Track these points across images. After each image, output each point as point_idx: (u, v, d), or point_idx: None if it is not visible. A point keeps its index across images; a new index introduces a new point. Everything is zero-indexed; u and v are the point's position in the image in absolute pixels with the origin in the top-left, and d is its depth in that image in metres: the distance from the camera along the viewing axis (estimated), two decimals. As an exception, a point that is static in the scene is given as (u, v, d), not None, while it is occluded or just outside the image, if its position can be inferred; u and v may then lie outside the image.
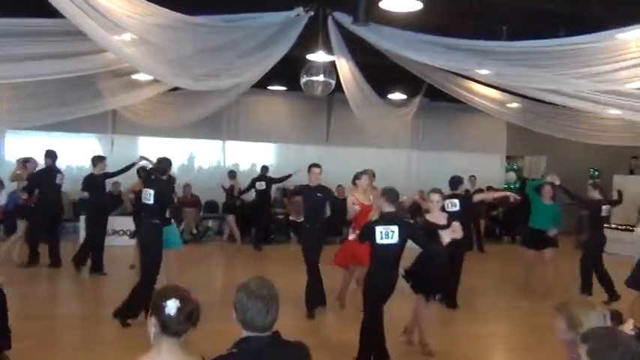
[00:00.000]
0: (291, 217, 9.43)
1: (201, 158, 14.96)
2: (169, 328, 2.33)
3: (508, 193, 9.85)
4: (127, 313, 6.52)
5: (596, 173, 16.05)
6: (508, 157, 17.57)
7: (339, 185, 13.65)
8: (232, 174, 12.96)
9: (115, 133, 13.75)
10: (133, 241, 9.72)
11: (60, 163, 10.15)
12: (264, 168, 13.14)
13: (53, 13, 4.82)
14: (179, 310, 2.31)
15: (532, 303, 8.50)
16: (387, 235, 5.15)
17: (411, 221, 5.85)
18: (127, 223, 10.43)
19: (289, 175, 12.35)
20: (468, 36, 6.76)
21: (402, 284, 5.79)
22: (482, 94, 10.37)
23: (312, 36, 7.72)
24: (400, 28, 7.17)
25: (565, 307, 2.87)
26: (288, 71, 9.77)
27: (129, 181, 10.35)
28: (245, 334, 2.41)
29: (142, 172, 8.71)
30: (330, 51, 8.08)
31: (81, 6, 4.65)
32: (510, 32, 7.78)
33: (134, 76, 8.71)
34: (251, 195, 13.29)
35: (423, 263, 5.84)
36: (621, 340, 2.13)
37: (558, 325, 2.88)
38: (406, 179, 14.65)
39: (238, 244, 12.39)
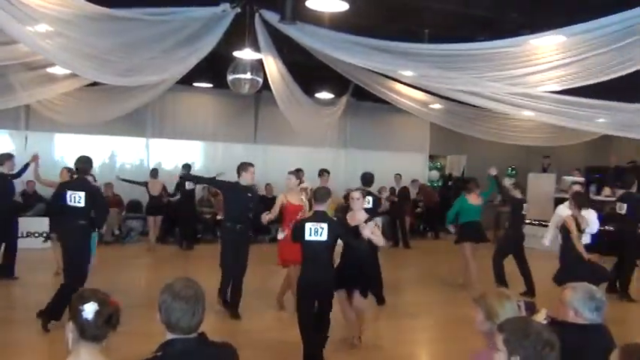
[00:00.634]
0: (219, 217, 9.29)
1: (123, 156, 14.41)
2: (87, 332, 2.25)
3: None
4: (50, 315, 6.20)
5: (514, 172, 16.88)
6: (431, 156, 18.17)
7: (268, 184, 13.62)
8: (154, 172, 12.62)
9: (29, 130, 13.00)
10: (48, 244, 9.35)
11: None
12: (187, 166, 12.77)
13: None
14: (97, 313, 2.24)
15: (453, 295, 8.85)
16: (316, 231, 5.20)
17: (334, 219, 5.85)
18: (42, 224, 9.92)
19: (214, 178, 12.14)
20: (392, 38, 6.93)
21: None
22: (407, 94, 10.66)
23: (238, 33, 7.65)
24: (326, 28, 7.24)
25: (482, 299, 3.00)
26: (214, 68, 9.63)
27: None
28: (170, 336, 2.35)
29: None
30: (257, 49, 8.03)
31: (-11, -6, 4.38)
32: (432, 35, 8.04)
33: (50, 70, 8.27)
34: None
35: (346, 260, 5.91)
36: (533, 328, 2.26)
37: (476, 316, 3.00)
38: (334, 178, 14.77)
39: (152, 242, 12.13)
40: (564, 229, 7.33)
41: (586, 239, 7.69)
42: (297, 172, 7.94)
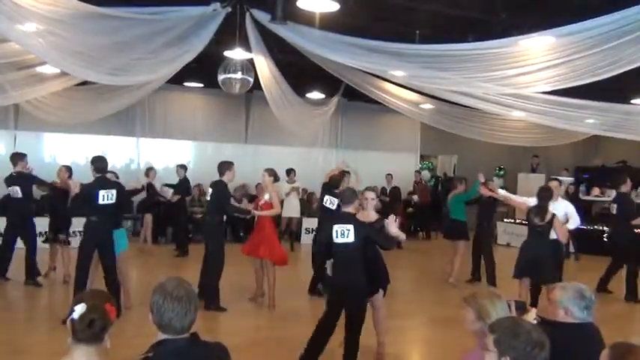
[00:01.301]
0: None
1: (113, 156, 14.25)
2: (75, 333, 2.27)
3: None
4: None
5: (502, 172, 16.97)
6: (422, 157, 18.22)
7: (259, 184, 13.58)
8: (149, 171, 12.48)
9: (18, 129, 12.89)
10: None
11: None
12: (183, 167, 12.61)
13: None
14: (81, 317, 2.25)
15: (445, 295, 8.89)
16: (342, 233, 5.12)
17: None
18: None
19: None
20: (383, 38, 6.95)
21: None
22: (398, 94, 10.69)
23: (229, 32, 7.63)
24: (317, 28, 7.25)
25: (473, 299, 3.01)
26: (205, 68, 9.60)
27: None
28: (162, 336, 2.34)
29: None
30: (248, 48, 8.02)
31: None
32: (423, 36, 8.06)
33: (39, 69, 8.21)
34: (167, 193, 12.92)
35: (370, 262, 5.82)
36: (523, 328, 2.28)
37: (467, 316, 3.01)
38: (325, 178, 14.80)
39: (149, 245, 11.80)
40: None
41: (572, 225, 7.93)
42: (272, 170, 8.15)
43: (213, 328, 6.61)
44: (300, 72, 9.83)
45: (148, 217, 12.03)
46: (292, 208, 12.62)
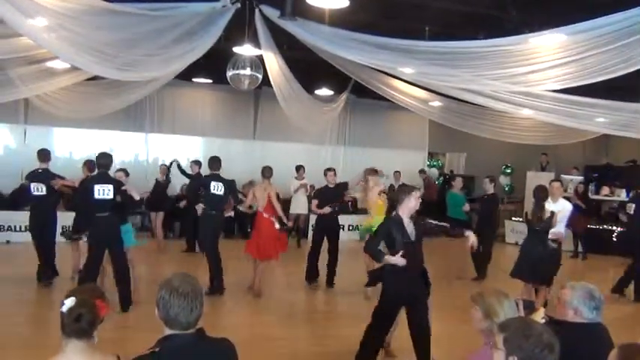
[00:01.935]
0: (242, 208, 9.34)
1: (122, 151, 14.38)
2: (63, 327, 2.30)
3: None
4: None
5: (508, 170, 16.87)
6: (430, 154, 18.16)
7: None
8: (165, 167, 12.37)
9: (28, 124, 12.98)
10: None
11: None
12: (198, 163, 12.45)
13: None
14: (69, 310, 2.27)
15: (451, 292, 8.86)
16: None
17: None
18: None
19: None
20: (393, 35, 6.91)
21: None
22: (406, 92, 10.65)
23: (238, 28, 7.63)
24: (326, 25, 7.23)
25: (481, 298, 3.00)
26: (214, 64, 9.60)
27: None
28: (168, 332, 2.34)
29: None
30: (257, 44, 8.01)
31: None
32: (432, 33, 8.03)
33: (49, 64, 8.24)
34: (175, 189, 12.96)
35: None
36: (534, 330, 2.26)
37: (474, 315, 3.00)
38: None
39: (162, 244, 11.73)
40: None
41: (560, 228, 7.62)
42: (269, 169, 8.45)
43: (218, 323, 6.63)
44: (309, 68, 9.81)
45: (160, 215, 11.91)
46: (300, 205, 12.62)
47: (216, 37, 7.30)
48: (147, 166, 13.85)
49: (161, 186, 12.09)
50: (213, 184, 8.04)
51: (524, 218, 7.36)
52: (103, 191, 6.92)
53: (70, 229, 8.55)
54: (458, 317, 6.81)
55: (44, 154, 8.31)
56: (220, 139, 14.84)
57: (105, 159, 7.14)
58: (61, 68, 8.43)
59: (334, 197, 8.93)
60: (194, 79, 12.95)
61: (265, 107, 14.79)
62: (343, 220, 13.15)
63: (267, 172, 8.36)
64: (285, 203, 11.24)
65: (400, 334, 6.77)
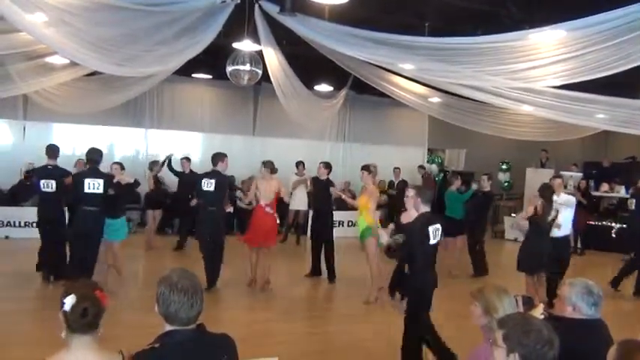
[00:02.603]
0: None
1: (121, 147, 14.38)
2: (70, 324, 2.28)
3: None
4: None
5: (505, 167, 16.86)
6: (430, 150, 18.15)
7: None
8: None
9: (27, 120, 12.96)
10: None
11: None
12: (189, 159, 12.45)
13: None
14: (72, 307, 2.26)
15: (451, 288, 8.87)
16: (435, 234, 4.98)
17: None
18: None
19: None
20: (392, 31, 6.90)
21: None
22: (406, 88, 10.63)
23: (238, 24, 7.61)
24: (326, 20, 7.21)
25: (480, 294, 3.01)
26: (213, 59, 9.59)
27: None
28: (168, 327, 2.35)
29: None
30: (257, 40, 8.00)
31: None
32: (432, 29, 8.01)
33: (48, 59, 8.22)
34: (174, 185, 12.94)
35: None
36: (534, 326, 2.26)
37: (474, 311, 3.01)
38: (333, 171, 14.77)
39: (153, 241, 11.53)
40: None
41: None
42: (270, 163, 8.45)
43: (219, 318, 6.64)
44: (309, 64, 9.80)
45: (157, 211, 11.76)
46: (300, 201, 12.63)
47: (216, 33, 7.29)
48: (146, 161, 13.81)
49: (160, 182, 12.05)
50: (204, 180, 8.00)
51: (533, 213, 7.37)
52: (93, 185, 7.13)
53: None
54: (458, 314, 6.83)
55: (54, 151, 8.20)
56: (220, 135, 14.80)
57: (94, 154, 7.35)
58: (60, 64, 8.42)
59: (324, 189, 9.14)
60: (194, 75, 12.92)
61: (265, 103, 14.77)
62: (344, 216, 13.18)
63: (269, 165, 8.33)
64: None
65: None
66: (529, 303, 3.11)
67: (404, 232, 5.39)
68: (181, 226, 12.11)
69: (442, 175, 17.50)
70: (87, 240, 7.24)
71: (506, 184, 16.69)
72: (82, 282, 2.43)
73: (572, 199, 8.01)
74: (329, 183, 9.26)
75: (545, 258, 7.22)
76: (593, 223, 13.22)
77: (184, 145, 14.47)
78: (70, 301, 2.27)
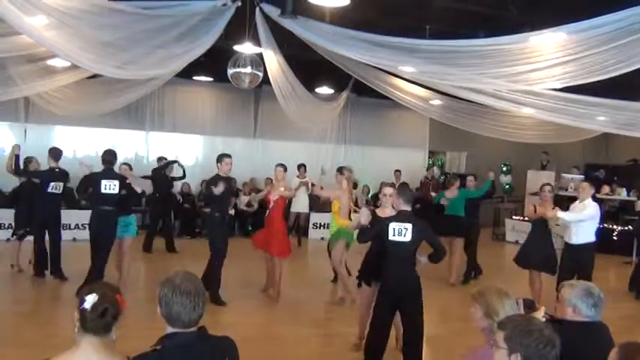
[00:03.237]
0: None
1: (122, 149, 14.34)
2: (85, 324, 2.27)
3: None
4: None
5: (505, 169, 16.85)
6: (431, 153, 18.14)
7: (268, 179, 13.60)
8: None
9: (29, 122, 12.97)
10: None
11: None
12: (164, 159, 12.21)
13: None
14: (93, 306, 2.25)
15: (451, 291, 8.87)
16: (399, 232, 5.06)
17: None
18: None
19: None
20: (393, 33, 6.90)
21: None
22: (407, 90, 10.64)
23: (239, 27, 7.62)
24: (327, 23, 7.22)
25: (481, 296, 3.00)
26: (214, 62, 9.59)
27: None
28: (170, 330, 2.35)
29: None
30: (257, 43, 8.01)
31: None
32: (433, 31, 8.02)
33: (49, 62, 8.24)
34: (177, 187, 12.96)
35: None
36: (535, 326, 2.26)
37: (475, 314, 3.01)
38: (334, 173, 14.75)
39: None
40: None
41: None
42: (283, 166, 8.35)
43: (220, 321, 6.64)
44: (310, 67, 9.81)
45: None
46: (301, 204, 12.63)
47: (217, 36, 7.29)
48: (147, 164, 13.82)
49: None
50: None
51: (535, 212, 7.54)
52: (109, 186, 7.40)
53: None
54: (456, 317, 6.83)
55: (59, 154, 8.57)
56: (221, 138, 14.83)
57: (109, 155, 7.66)
58: (61, 66, 8.43)
59: None
60: (195, 77, 12.94)
61: (266, 105, 14.78)
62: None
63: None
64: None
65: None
66: (530, 306, 3.11)
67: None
68: (164, 226, 11.96)
69: (443, 177, 17.49)
70: (101, 239, 7.50)
71: (507, 186, 16.67)
72: (104, 283, 2.44)
73: (589, 211, 7.42)
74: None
75: (539, 257, 7.42)
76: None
77: (185, 148, 14.50)
78: (91, 299, 2.26)
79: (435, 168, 17.41)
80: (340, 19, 7.21)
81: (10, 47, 6.58)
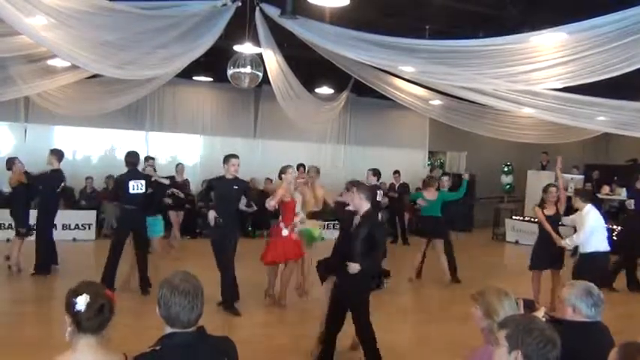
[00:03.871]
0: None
1: (122, 149, 14.34)
2: (82, 324, 2.27)
3: None
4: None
5: (507, 169, 16.85)
6: (431, 153, 18.14)
7: (268, 179, 13.62)
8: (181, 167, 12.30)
9: (29, 122, 12.97)
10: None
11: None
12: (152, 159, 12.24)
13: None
14: (89, 305, 2.25)
15: (451, 291, 8.87)
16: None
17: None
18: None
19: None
20: (393, 33, 6.91)
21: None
22: (407, 90, 10.64)
23: (239, 27, 7.62)
24: (327, 23, 7.22)
25: (481, 296, 3.00)
26: (214, 62, 9.60)
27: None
28: (169, 330, 2.35)
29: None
30: (257, 43, 8.01)
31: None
32: (433, 31, 8.02)
33: (49, 62, 8.25)
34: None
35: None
36: (537, 325, 2.25)
37: (474, 314, 3.00)
38: (334, 173, 14.78)
39: (177, 238, 11.51)
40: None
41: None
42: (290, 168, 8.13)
43: (219, 322, 6.64)
44: (310, 67, 9.82)
45: (180, 214, 11.60)
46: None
47: (217, 36, 7.29)
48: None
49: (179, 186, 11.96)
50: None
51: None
52: (137, 186, 7.76)
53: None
54: (453, 318, 6.82)
55: (62, 155, 9.02)
56: (221, 138, 14.83)
57: (133, 157, 7.99)
58: (61, 66, 8.43)
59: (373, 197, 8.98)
60: (195, 78, 12.94)
61: (266, 105, 14.78)
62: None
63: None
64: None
65: (402, 335, 6.81)
66: (531, 306, 3.11)
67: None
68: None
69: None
70: (136, 238, 7.88)
71: (508, 186, 16.68)
72: (89, 282, 2.41)
73: (582, 234, 7.14)
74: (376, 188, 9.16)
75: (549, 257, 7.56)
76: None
77: (185, 148, 14.49)
78: (83, 300, 2.25)
79: (437, 169, 17.43)
80: (340, 19, 7.21)
81: (10, 47, 6.58)
